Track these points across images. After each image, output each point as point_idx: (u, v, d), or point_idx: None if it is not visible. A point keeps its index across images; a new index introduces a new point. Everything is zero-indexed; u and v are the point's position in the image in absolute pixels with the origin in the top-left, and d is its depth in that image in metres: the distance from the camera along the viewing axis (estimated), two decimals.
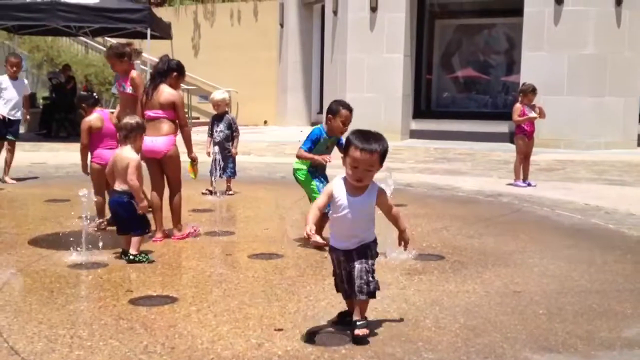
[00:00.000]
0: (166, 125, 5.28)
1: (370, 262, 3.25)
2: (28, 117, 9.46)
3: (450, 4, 16.72)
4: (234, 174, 7.61)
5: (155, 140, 5.21)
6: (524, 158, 8.80)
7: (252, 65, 19.50)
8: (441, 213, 6.75)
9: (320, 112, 18.80)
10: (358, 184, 3.19)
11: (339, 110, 5.08)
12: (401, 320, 3.48)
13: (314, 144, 5.18)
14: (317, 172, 5.26)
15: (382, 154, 3.18)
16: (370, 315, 3.52)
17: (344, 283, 3.33)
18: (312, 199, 5.09)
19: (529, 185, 8.71)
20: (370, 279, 3.21)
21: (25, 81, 9.31)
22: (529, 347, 3.09)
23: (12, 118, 8.60)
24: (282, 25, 19.94)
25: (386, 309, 3.66)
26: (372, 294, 3.22)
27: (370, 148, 3.12)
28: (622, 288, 4.17)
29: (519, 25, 14.26)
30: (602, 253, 5.08)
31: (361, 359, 2.94)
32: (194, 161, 5.54)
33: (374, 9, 14.98)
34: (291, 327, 3.35)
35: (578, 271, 4.51)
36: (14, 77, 8.62)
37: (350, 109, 5.12)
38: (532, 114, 8.69)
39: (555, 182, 9.24)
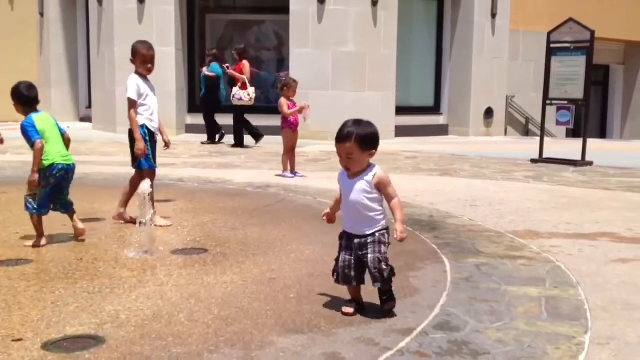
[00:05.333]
0: None
1: (382, 250, 3.43)
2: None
3: None
4: None
5: None
6: (290, 150, 9.16)
7: (10, 56, 17.89)
8: (209, 207, 6.74)
9: (89, 106, 17.84)
10: (347, 171, 3.45)
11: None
12: (154, 317, 3.41)
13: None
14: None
15: (360, 139, 3.34)
16: (122, 315, 3.42)
17: (351, 270, 3.47)
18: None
19: (296, 175, 9.09)
20: (384, 266, 3.41)
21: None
22: (276, 331, 3.20)
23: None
24: (42, 15, 18.53)
25: (140, 307, 3.56)
26: (386, 282, 3.43)
27: (341, 135, 3.35)
28: None
29: (287, 22, 14.80)
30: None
31: None
32: None
33: (141, 0, 14.55)
34: (32, 336, 3.11)
35: (331, 255, 4.74)
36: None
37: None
38: (299, 106, 9.08)
39: (320, 172, 9.73)
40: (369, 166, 3.48)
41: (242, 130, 13.37)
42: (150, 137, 5.68)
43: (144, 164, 5.69)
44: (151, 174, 5.69)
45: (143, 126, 5.61)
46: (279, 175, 9.12)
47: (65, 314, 3.43)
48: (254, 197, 7.43)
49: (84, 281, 4.06)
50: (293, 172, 9.15)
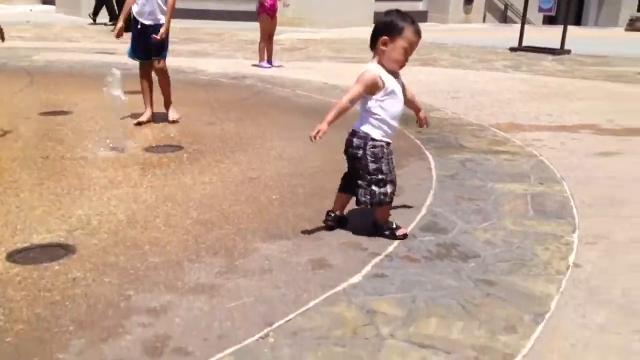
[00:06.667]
0: None
1: None
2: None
3: None
4: None
5: None
6: (267, 38, 8.74)
7: None
8: (182, 98, 6.36)
9: None
10: (400, 69, 3.01)
11: None
12: (129, 222, 3.22)
13: None
14: None
15: None
16: (94, 220, 3.24)
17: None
18: None
19: (273, 65, 8.73)
20: None
21: None
22: (259, 236, 3.06)
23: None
24: None
25: (112, 211, 3.37)
26: None
27: (419, 29, 2.97)
28: None
29: None
30: (336, 132, 5.13)
31: (77, 273, 2.64)
32: None
33: None
34: None
35: (313, 152, 4.57)
36: None
37: None
38: None
39: (297, 61, 9.37)
40: None
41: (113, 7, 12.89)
42: (135, 25, 5.28)
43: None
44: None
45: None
46: (255, 65, 8.75)
47: (31, 220, 3.22)
48: (229, 89, 7.13)
49: (50, 182, 3.83)
50: (270, 61, 8.78)
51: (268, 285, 2.55)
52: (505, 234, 3.16)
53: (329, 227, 3.16)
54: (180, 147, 4.68)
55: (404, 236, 3.06)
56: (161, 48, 5.32)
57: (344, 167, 4.27)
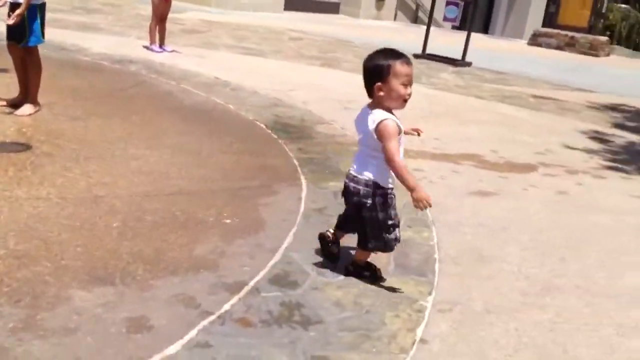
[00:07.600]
0: None
1: None
2: None
3: None
4: None
5: None
6: (160, 20, 8.20)
7: None
8: (51, 84, 5.62)
9: None
10: (406, 103, 2.86)
11: None
12: None
13: None
14: None
15: None
16: None
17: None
18: None
19: (165, 50, 8.22)
20: None
21: None
22: (78, 280, 2.66)
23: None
24: None
25: None
26: None
27: (409, 60, 2.85)
28: (216, 188, 3.99)
29: None
30: (212, 141, 4.89)
31: None
32: None
33: None
34: None
35: (179, 165, 4.22)
36: None
37: None
38: None
39: (193, 47, 8.88)
40: None
41: None
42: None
43: None
44: None
45: None
46: (146, 48, 8.21)
47: None
48: (109, 76, 6.59)
49: None
50: (162, 46, 8.26)
51: (65, 352, 2.19)
52: (358, 292, 2.93)
53: (330, 254, 3.15)
54: (28, 147, 4.18)
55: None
56: (19, 33, 4.76)
57: (206, 187, 3.97)
